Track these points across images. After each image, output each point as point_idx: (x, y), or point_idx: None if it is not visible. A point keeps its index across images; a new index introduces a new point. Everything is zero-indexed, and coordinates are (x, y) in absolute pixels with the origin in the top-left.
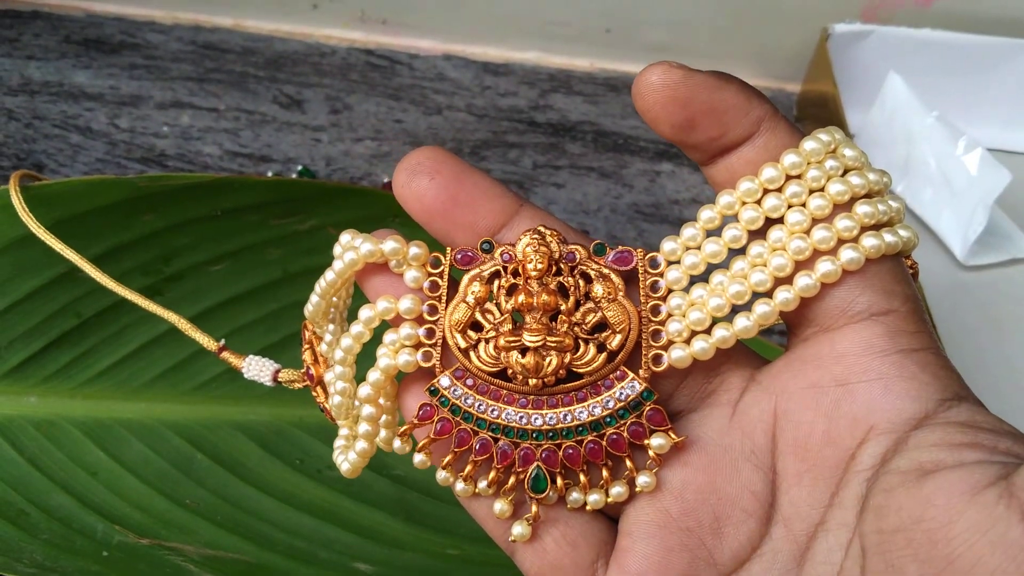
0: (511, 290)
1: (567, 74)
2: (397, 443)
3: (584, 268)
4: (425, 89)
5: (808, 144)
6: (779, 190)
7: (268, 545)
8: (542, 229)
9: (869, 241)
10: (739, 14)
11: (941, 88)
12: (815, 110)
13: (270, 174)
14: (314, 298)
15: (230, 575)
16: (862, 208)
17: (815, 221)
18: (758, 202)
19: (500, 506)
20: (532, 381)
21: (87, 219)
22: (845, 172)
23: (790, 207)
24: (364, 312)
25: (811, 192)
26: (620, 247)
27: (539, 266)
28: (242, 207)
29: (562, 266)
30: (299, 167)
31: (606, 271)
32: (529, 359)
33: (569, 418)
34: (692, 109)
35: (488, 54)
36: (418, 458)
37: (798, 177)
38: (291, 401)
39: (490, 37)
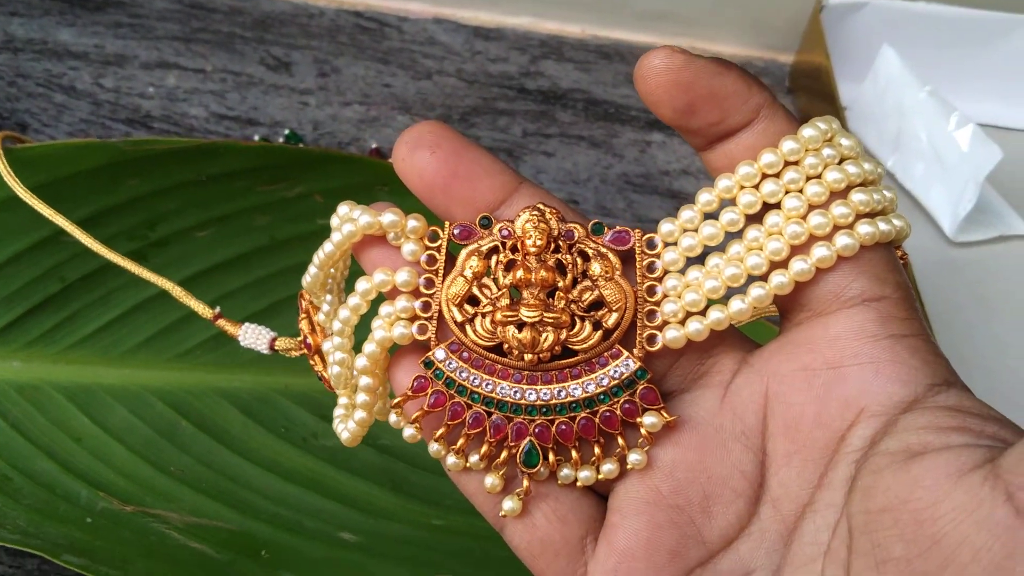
0: (509, 265)
1: (559, 40)
2: (393, 417)
3: (582, 246)
4: (415, 53)
5: (806, 131)
6: (777, 176)
7: (252, 513)
8: (541, 206)
9: (864, 228)
10: None
11: (934, 62)
12: (808, 82)
13: (256, 138)
14: (312, 269)
15: (213, 543)
16: (857, 196)
17: (811, 207)
18: (756, 187)
19: (491, 480)
20: (528, 356)
21: (71, 182)
22: (841, 160)
23: (787, 193)
24: (361, 284)
25: (808, 179)
26: (618, 227)
27: (538, 242)
28: (228, 172)
29: (560, 244)
30: (286, 131)
31: (604, 250)
32: (526, 334)
33: (563, 394)
34: (693, 94)
35: (479, 18)
36: (408, 431)
37: (796, 164)
38: (276, 369)
39: (481, 1)
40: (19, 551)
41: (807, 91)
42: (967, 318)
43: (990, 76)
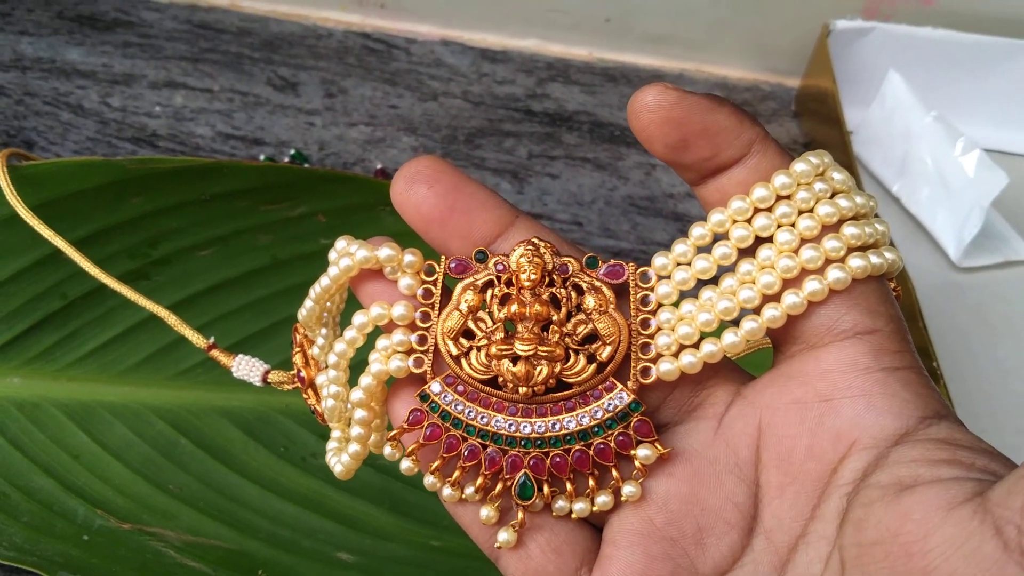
0: (504, 299)
1: (565, 63)
2: (388, 449)
3: (576, 280)
4: (421, 75)
5: (798, 166)
6: (769, 210)
7: (250, 532)
8: (536, 240)
9: (855, 262)
10: (740, 6)
11: (941, 87)
12: (814, 105)
13: (262, 157)
14: (308, 303)
15: (211, 562)
16: (849, 230)
17: (803, 241)
18: (748, 221)
19: (486, 512)
20: (522, 389)
21: (75, 200)
22: (833, 194)
23: (779, 227)
24: (358, 317)
25: (800, 213)
26: (612, 261)
27: (532, 277)
28: (232, 192)
29: (555, 277)
30: (292, 151)
31: (598, 284)
32: (520, 368)
33: (557, 427)
34: (686, 130)
35: (486, 40)
36: (405, 464)
37: (788, 198)
38: (277, 389)
39: (489, 23)
40: (15, 568)
41: (813, 115)
42: (970, 343)
43: (997, 101)
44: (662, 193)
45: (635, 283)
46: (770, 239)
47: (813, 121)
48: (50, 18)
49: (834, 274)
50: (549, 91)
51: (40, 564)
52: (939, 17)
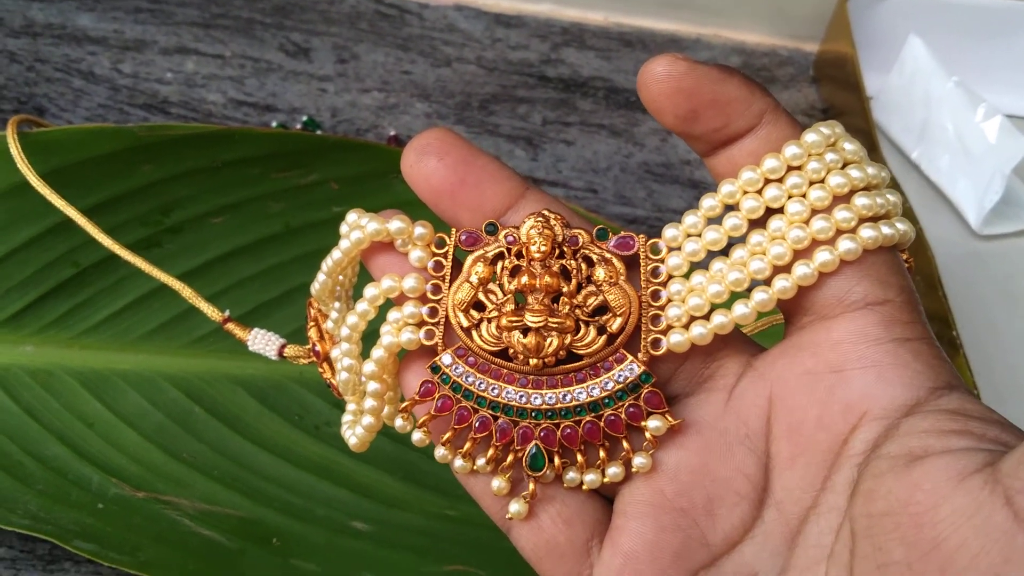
0: (514, 271)
1: (580, 28)
2: (399, 421)
3: (587, 252)
4: (435, 40)
5: (809, 136)
6: (780, 180)
7: (264, 501)
8: (546, 212)
9: (867, 232)
10: None
11: (962, 52)
12: (833, 71)
13: (274, 124)
14: (320, 276)
15: (224, 530)
16: (860, 200)
17: (814, 212)
18: (759, 192)
19: (498, 483)
20: (533, 361)
21: (86, 167)
22: (845, 165)
23: (790, 197)
24: (369, 290)
25: (811, 184)
26: (622, 232)
27: (543, 248)
28: (244, 159)
29: (565, 249)
30: (304, 117)
31: (608, 255)
32: (531, 339)
33: (568, 398)
34: (696, 100)
35: (500, 5)
36: (416, 435)
37: (799, 168)
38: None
39: None
40: (30, 536)
41: (832, 81)
42: (991, 312)
43: (1019, 66)
44: (679, 160)
45: (645, 255)
46: (781, 210)
47: (832, 87)
48: None
49: (845, 245)
50: (564, 56)
51: (55, 532)
52: None
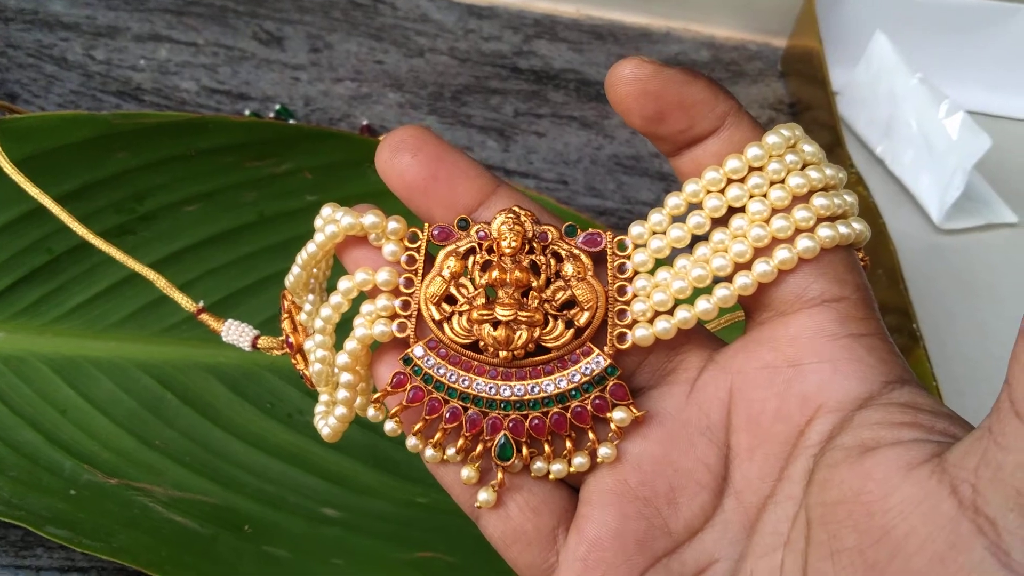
0: (485, 266)
1: (552, 20)
2: (371, 411)
3: (555, 248)
4: (407, 30)
5: (770, 138)
6: (742, 181)
7: (236, 488)
8: (516, 209)
9: (824, 231)
10: None
11: (926, 49)
12: (800, 66)
13: (247, 112)
14: (295, 269)
15: (197, 516)
16: (819, 200)
17: (775, 211)
18: (721, 191)
19: (467, 472)
20: (502, 353)
21: (60, 154)
22: (804, 166)
23: (751, 197)
24: (343, 283)
25: (771, 184)
26: (590, 229)
27: (513, 244)
28: (217, 148)
29: (535, 245)
30: (277, 106)
31: (576, 251)
32: (500, 332)
33: (536, 390)
34: (662, 102)
35: None
36: (389, 425)
37: (760, 169)
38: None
39: None
40: (2, 522)
41: (799, 75)
42: (951, 305)
43: (981, 64)
44: (648, 152)
45: (612, 251)
46: (742, 209)
47: (799, 81)
48: None
49: (803, 243)
50: (536, 48)
51: (27, 518)
52: None
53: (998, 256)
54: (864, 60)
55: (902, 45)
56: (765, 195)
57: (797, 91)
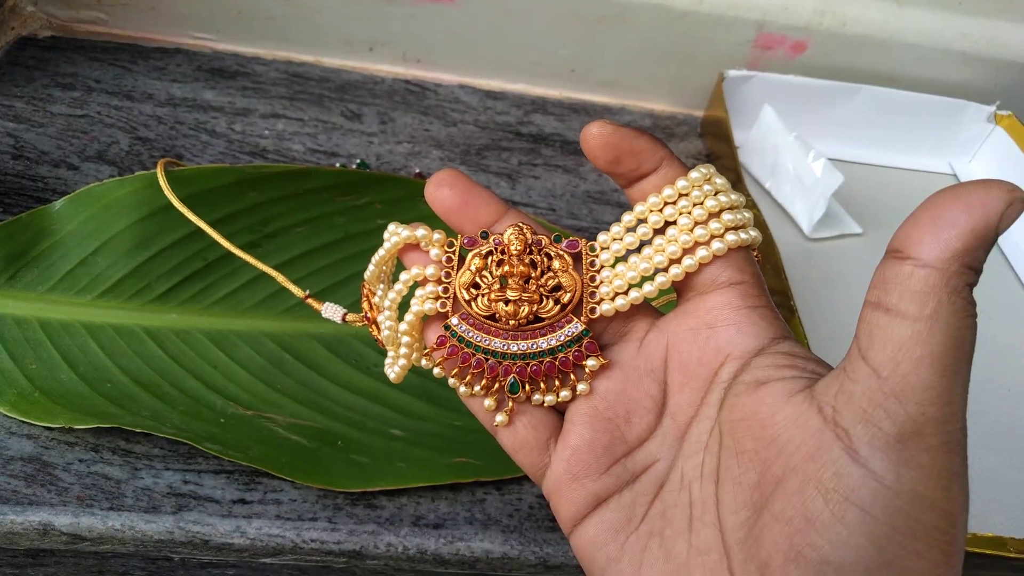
0: (499, 263)
1: (544, 100)
2: (424, 362)
3: (547, 250)
4: (446, 108)
5: (692, 174)
6: (674, 203)
7: (332, 416)
8: (521, 224)
9: (730, 237)
10: (663, 61)
11: (799, 116)
12: (713, 129)
13: (338, 165)
14: (371, 267)
15: (306, 435)
16: (726, 216)
17: (696, 223)
18: (660, 210)
19: (488, 402)
20: (512, 322)
21: (210, 194)
22: (716, 193)
23: (680, 214)
24: (403, 276)
25: (694, 205)
26: (571, 238)
27: (518, 247)
28: (317, 188)
29: (533, 248)
30: (358, 160)
31: (561, 252)
32: (511, 308)
33: (535, 347)
34: (618, 151)
35: (490, 84)
36: (436, 371)
37: (686, 195)
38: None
39: (491, 72)
40: (175, 440)
41: (713, 136)
42: (819, 293)
43: (836, 126)
44: (610, 188)
45: (586, 252)
46: (674, 223)
47: (713, 140)
48: (192, 70)
49: (716, 245)
50: (533, 119)
51: (192, 437)
52: (799, 68)
53: (848, 256)
54: (756, 124)
55: (782, 113)
56: (690, 212)
57: (711, 146)
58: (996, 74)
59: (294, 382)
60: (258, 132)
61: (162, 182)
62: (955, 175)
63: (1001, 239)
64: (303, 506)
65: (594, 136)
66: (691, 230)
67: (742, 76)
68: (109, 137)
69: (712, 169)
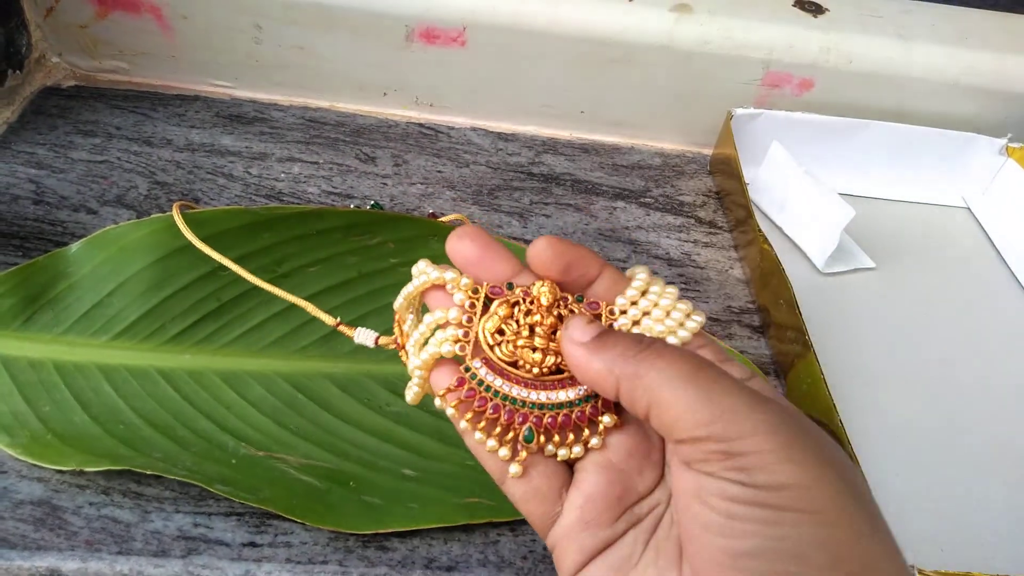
0: (527, 312)
1: (555, 140)
2: (438, 402)
3: (572, 307)
4: (458, 150)
5: (640, 275)
6: (644, 293)
7: (344, 456)
8: (550, 281)
9: (689, 324)
10: (671, 100)
11: (808, 151)
12: (723, 166)
13: (352, 206)
14: (400, 299)
15: (318, 476)
16: (675, 314)
17: (667, 312)
18: (635, 303)
19: (504, 452)
20: (535, 371)
21: (226, 234)
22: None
23: (655, 305)
24: (427, 318)
25: (654, 305)
26: (592, 300)
27: (549, 299)
28: (330, 228)
29: (560, 303)
30: (372, 201)
31: (584, 310)
32: (537, 356)
33: (553, 398)
34: (566, 260)
35: (501, 127)
36: (450, 411)
37: (644, 294)
38: (363, 360)
39: (503, 115)
40: (186, 482)
41: (722, 173)
42: (832, 325)
43: (846, 160)
44: (620, 226)
45: (606, 313)
46: (648, 313)
47: (722, 177)
48: (211, 116)
49: (681, 332)
50: (544, 160)
51: (203, 479)
52: (806, 106)
53: (861, 290)
54: (766, 160)
55: (792, 149)
56: (657, 305)
57: (721, 183)
58: (1006, 107)
59: (307, 422)
60: (274, 175)
61: (179, 222)
62: (968, 208)
63: (1000, 242)
64: (314, 548)
65: (544, 249)
66: (663, 321)
67: (750, 114)
68: (128, 182)
69: (648, 271)
